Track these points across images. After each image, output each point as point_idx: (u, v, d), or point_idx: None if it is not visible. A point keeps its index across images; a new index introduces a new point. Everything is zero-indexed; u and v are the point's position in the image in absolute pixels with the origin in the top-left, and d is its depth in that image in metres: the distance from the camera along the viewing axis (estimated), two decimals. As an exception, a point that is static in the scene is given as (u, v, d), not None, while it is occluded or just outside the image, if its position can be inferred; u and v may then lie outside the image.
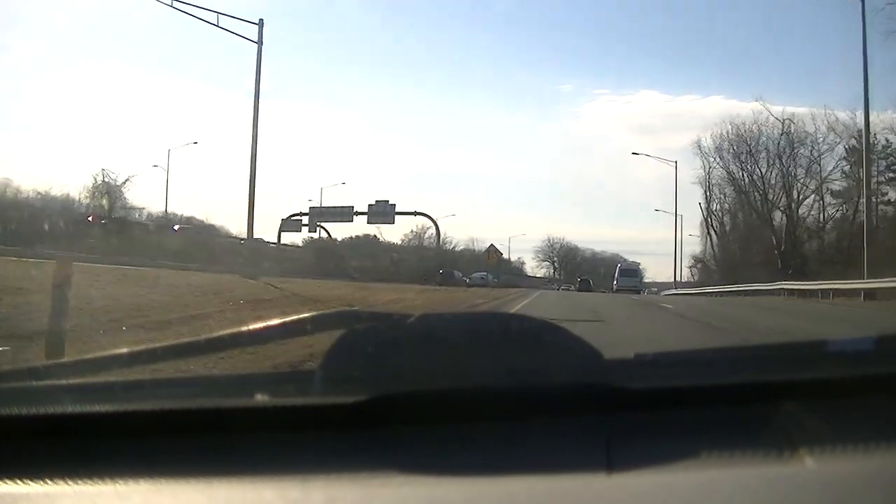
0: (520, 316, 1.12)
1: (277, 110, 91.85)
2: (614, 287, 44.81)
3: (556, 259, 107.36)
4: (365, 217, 58.12)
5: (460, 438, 1.02)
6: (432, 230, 79.21)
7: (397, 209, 57.78)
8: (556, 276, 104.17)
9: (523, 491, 0.88)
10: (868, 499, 0.80)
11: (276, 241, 58.43)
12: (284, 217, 58.85)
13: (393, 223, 59.05)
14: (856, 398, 1.01)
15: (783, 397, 1.01)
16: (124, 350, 1.21)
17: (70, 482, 0.99)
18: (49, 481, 0.99)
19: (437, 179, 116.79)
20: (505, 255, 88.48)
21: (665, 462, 0.91)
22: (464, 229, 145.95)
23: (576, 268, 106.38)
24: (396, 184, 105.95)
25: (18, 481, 1.00)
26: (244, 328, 1.17)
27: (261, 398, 1.06)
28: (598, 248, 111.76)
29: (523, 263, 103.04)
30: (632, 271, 47.64)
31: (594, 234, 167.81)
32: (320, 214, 59.97)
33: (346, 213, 58.30)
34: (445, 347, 1.06)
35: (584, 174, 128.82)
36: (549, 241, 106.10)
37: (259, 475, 0.97)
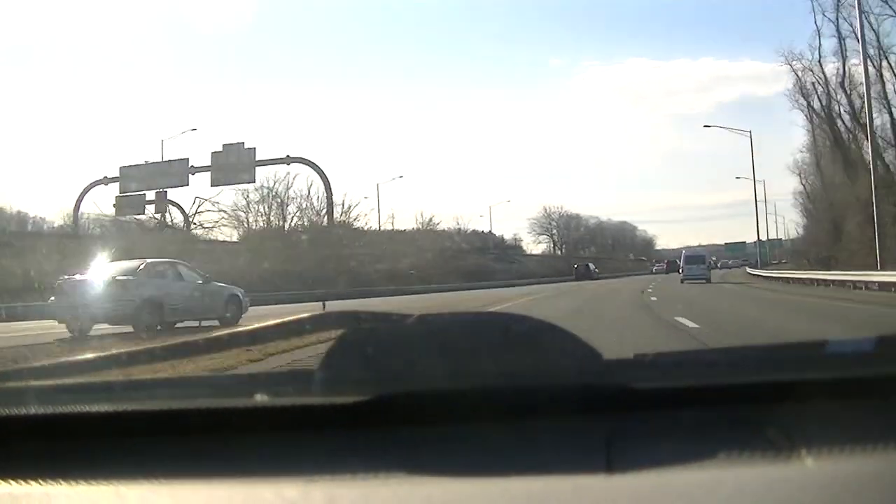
0: (519, 316, 1.12)
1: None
2: (682, 275, 40.77)
3: (554, 231, 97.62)
4: (207, 176, 38.82)
5: (460, 439, 1.01)
6: (442, 218, 72.82)
7: (262, 157, 38.98)
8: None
9: (523, 491, 0.88)
10: (868, 499, 0.80)
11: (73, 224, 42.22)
12: (120, 194, 40.13)
13: (253, 181, 40.49)
14: (856, 399, 1.01)
15: (783, 398, 1.01)
16: (123, 350, 1.21)
17: (69, 482, 0.99)
18: (48, 481, 0.99)
19: (421, 156, 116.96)
20: (495, 231, 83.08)
21: (665, 462, 0.91)
22: (450, 208, 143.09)
23: (578, 239, 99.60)
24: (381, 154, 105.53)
25: (17, 481, 1.00)
26: (243, 328, 1.17)
27: (260, 398, 1.06)
28: (602, 217, 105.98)
29: (520, 241, 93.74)
30: (699, 258, 42.93)
31: (596, 202, 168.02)
32: (140, 178, 39.85)
33: (177, 173, 39.34)
34: (445, 348, 1.06)
35: (580, 143, 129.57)
36: (546, 211, 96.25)
37: (258, 475, 0.96)
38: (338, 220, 45.83)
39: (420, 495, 0.91)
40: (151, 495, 0.96)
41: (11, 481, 1.00)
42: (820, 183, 44.44)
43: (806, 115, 42.34)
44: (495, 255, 72.43)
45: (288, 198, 47.42)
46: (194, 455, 1.04)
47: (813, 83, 39.80)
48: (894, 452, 0.90)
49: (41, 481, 0.99)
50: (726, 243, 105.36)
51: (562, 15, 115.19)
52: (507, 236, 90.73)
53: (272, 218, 48.29)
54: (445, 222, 69.98)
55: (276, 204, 47.88)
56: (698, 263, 40.38)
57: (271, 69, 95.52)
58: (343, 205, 46.17)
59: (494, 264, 64.91)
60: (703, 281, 36.99)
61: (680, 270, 42.15)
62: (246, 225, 47.95)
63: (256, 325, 1.05)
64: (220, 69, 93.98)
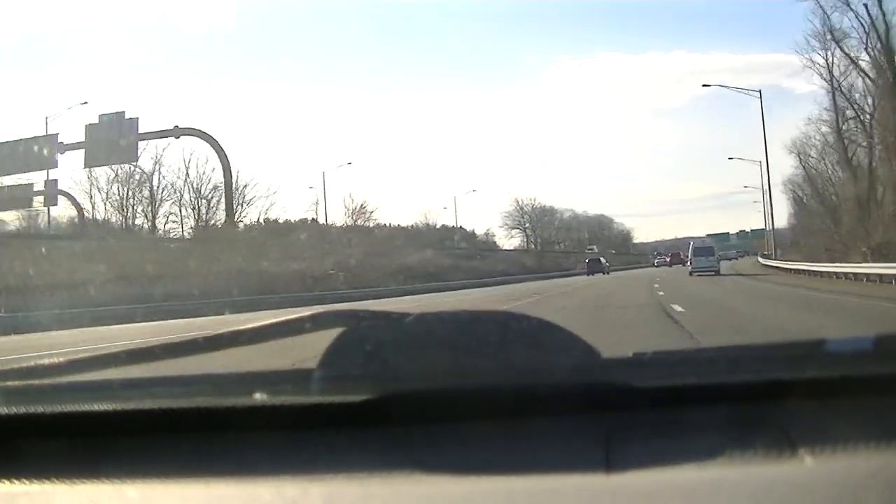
0: (519, 315, 1.12)
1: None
2: (690, 267, 39.04)
3: (527, 225, 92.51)
4: (81, 155, 31.79)
5: (459, 437, 1.01)
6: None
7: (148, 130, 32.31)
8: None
9: (522, 489, 0.88)
10: (868, 498, 0.80)
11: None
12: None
13: (134, 159, 34.44)
14: (856, 398, 1.01)
15: (783, 396, 1.01)
16: (123, 349, 1.21)
17: (68, 481, 0.99)
18: (47, 480, 0.99)
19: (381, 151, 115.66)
20: (468, 226, 78.97)
21: (664, 461, 0.91)
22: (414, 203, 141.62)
23: (553, 233, 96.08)
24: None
25: (16, 480, 1.00)
26: (243, 327, 1.17)
27: (259, 397, 1.06)
28: (578, 209, 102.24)
29: (493, 236, 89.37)
30: (707, 249, 40.37)
31: (571, 196, 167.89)
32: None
33: (40, 154, 31.39)
34: (444, 346, 1.06)
35: (553, 137, 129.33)
36: (518, 204, 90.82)
37: (257, 474, 0.96)
38: (239, 211, 38.71)
39: (419, 494, 0.91)
40: (151, 494, 0.96)
41: (10, 480, 1.00)
42: (841, 149, 39.73)
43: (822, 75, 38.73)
44: (464, 251, 65.56)
45: (163, 184, 38.69)
46: (194, 453, 1.04)
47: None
48: (894, 451, 0.90)
49: (40, 480, 0.99)
50: (708, 234, 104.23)
51: (533, 11, 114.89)
52: (481, 231, 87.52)
53: (134, 210, 39.59)
54: (413, 217, 67.86)
55: (138, 192, 38.47)
56: (707, 255, 38.52)
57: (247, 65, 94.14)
58: (241, 191, 38.61)
59: (459, 262, 55.60)
60: (713, 273, 35.61)
61: (689, 263, 40.26)
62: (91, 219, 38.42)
63: (257, 325, 1.05)
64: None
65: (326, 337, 1.09)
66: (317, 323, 1.14)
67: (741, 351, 1.18)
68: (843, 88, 37.64)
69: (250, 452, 1.03)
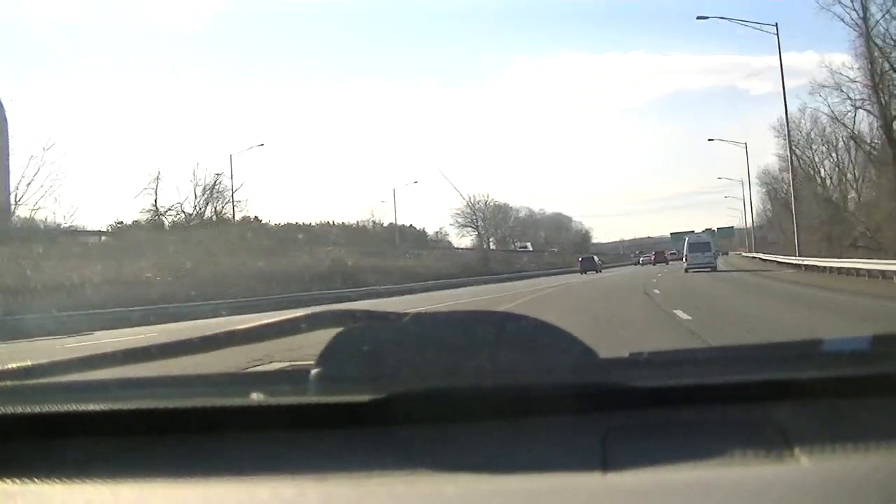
0: (515, 315, 1.11)
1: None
2: (685, 264, 37.13)
3: (480, 223, 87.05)
4: None
5: (456, 437, 1.01)
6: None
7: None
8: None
9: (519, 489, 0.88)
10: (865, 498, 0.80)
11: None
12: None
13: None
14: (852, 398, 1.01)
15: (779, 397, 1.01)
16: (119, 350, 1.21)
17: (64, 481, 0.99)
18: (43, 480, 0.99)
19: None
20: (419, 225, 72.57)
21: (660, 461, 0.91)
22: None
23: (508, 231, 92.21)
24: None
25: (13, 480, 0.99)
26: (238, 327, 1.17)
27: (256, 397, 1.06)
28: (535, 207, 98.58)
29: (446, 235, 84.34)
30: (704, 244, 38.75)
31: (529, 196, 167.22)
32: None
33: None
34: (441, 347, 1.06)
35: (510, 135, 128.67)
36: (471, 201, 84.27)
37: (254, 474, 0.96)
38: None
39: (416, 494, 0.91)
40: (147, 494, 0.95)
41: (6, 480, 1.00)
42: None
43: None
44: (399, 249, 56.92)
45: None
46: (190, 453, 1.04)
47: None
48: (890, 451, 0.90)
49: (36, 480, 0.99)
50: (672, 233, 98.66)
51: (492, 12, 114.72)
52: (435, 230, 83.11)
53: None
54: (359, 214, 62.81)
55: None
56: (703, 251, 37.41)
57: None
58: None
59: (385, 262, 44.49)
60: (710, 269, 34.57)
61: (684, 259, 38.46)
62: None
63: (253, 325, 1.04)
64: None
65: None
66: (313, 323, 1.14)
67: (738, 351, 1.18)
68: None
69: (247, 452, 1.02)
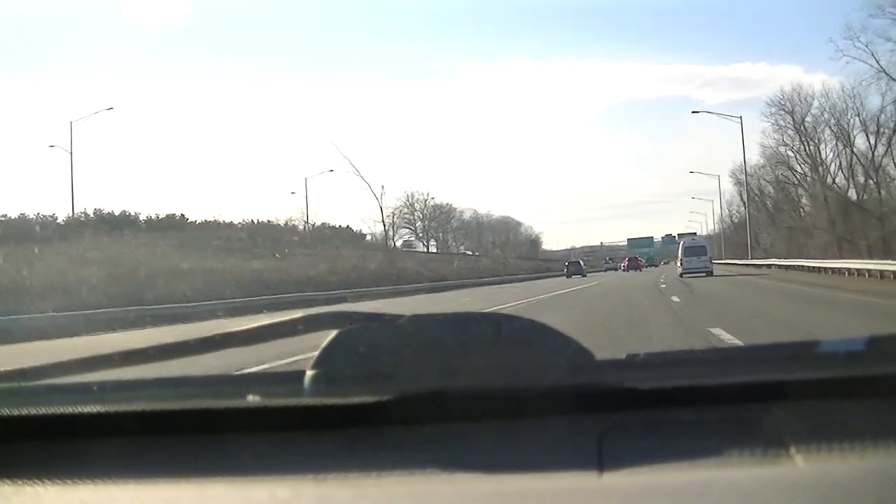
0: (511, 316, 1.12)
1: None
2: (679, 270, 36.10)
3: (417, 221, 79.86)
4: None
5: (452, 438, 1.02)
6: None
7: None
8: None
9: (515, 490, 0.88)
10: (859, 499, 0.80)
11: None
12: None
13: None
14: (847, 399, 1.01)
15: (775, 398, 1.02)
16: (117, 351, 1.21)
17: (60, 482, 0.99)
18: (39, 481, 0.99)
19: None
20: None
21: (656, 462, 0.91)
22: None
23: (451, 233, 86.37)
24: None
25: (8, 481, 0.99)
26: (236, 329, 1.17)
27: (252, 398, 1.06)
28: (481, 210, 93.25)
29: (365, 235, 74.58)
30: (700, 248, 37.20)
31: (477, 199, 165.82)
32: None
33: None
34: (437, 348, 1.06)
35: (458, 139, 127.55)
36: (409, 200, 78.47)
37: (250, 475, 0.96)
38: None
39: (412, 494, 0.91)
40: (143, 495, 0.95)
41: (2, 481, 1.00)
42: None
43: None
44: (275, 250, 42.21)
45: None
46: (186, 455, 1.04)
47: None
48: (886, 452, 0.90)
49: (32, 481, 0.99)
50: (630, 239, 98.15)
51: (445, 17, 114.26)
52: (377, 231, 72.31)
53: None
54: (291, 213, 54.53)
55: None
56: (699, 255, 36.25)
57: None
58: None
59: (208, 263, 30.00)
60: (704, 274, 33.64)
61: (679, 263, 37.50)
62: None
63: (251, 326, 1.05)
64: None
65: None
66: (310, 325, 1.14)
67: (734, 352, 1.19)
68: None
69: (243, 454, 1.03)
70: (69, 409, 1.09)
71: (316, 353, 1.08)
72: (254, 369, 5.43)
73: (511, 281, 49.56)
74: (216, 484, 0.96)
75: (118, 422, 1.08)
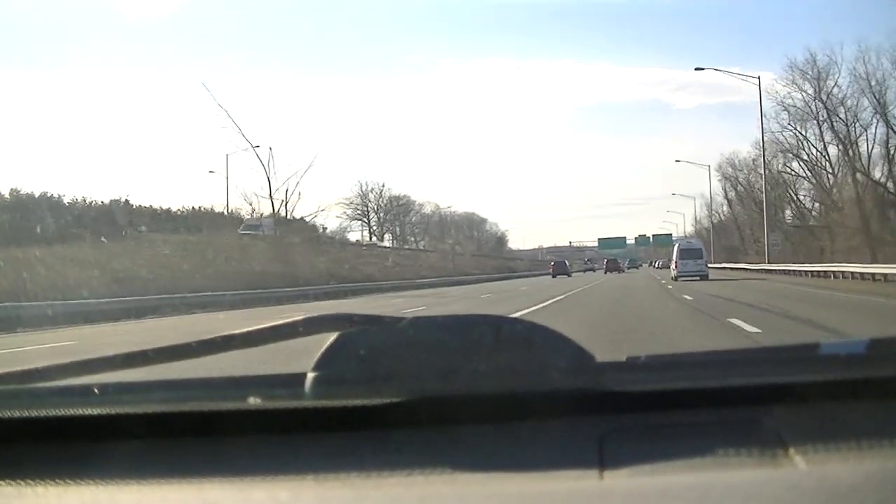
0: (511, 318, 1.12)
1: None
2: (674, 272, 35.55)
3: (370, 213, 73.97)
4: None
5: (452, 441, 1.02)
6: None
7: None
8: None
9: (515, 492, 0.88)
10: (859, 500, 0.80)
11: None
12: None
13: None
14: (848, 401, 1.01)
15: (775, 400, 1.02)
16: (118, 353, 1.21)
17: (61, 484, 0.99)
18: (40, 483, 0.99)
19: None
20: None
21: (657, 465, 0.91)
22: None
23: (409, 227, 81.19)
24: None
25: (8, 482, 1.00)
26: (236, 331, 1.17)
27: (253, 401, 1.06)
28: (444, 204, 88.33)
29: (346, 230, 71.16)
30: (696, 251, 36.69)
31: (443, 195, 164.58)
32: None
33: None
34: (437, 350, 1.06)
35: (424, 134, 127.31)
36: (362, 189, 73.57)
37: (250, 477, 0.97)
38: None
39: (413, 496, 0.91)
40: (144, 497, 0.96)
41: (2, 482, 1.00)
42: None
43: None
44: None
45: None
46: (187, 457, 1.05)
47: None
48: (887, 454, 0.90)
49: (33, 483, 0.99)
50: (600, 239, 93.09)
51: (419, 13, 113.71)
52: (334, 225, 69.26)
53: None
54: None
55: None
56: (695, 258, 35.71)
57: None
58: None
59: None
60: (698, 278, 33.10)
61: (673, 266, 36.63)
62: None
63: (251, 328, 1.05)
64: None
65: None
66: (310, 327, 1.15)
67: (735, 354, 1.19)
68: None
69: (244, 456, 1.03)
70: (70, 412, 1.09)
71: (317, 356, 1.08)
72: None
73: (459, 283, 43.24)
74: (217, 486, 0.96)
75: (119, 424, 1.09)
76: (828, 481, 0.85)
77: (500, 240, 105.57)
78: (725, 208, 62.53)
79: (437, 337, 1.09)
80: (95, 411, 1.09)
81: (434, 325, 1.12)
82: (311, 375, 1.06)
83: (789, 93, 44.98)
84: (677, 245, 39.63)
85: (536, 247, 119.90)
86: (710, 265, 40.52)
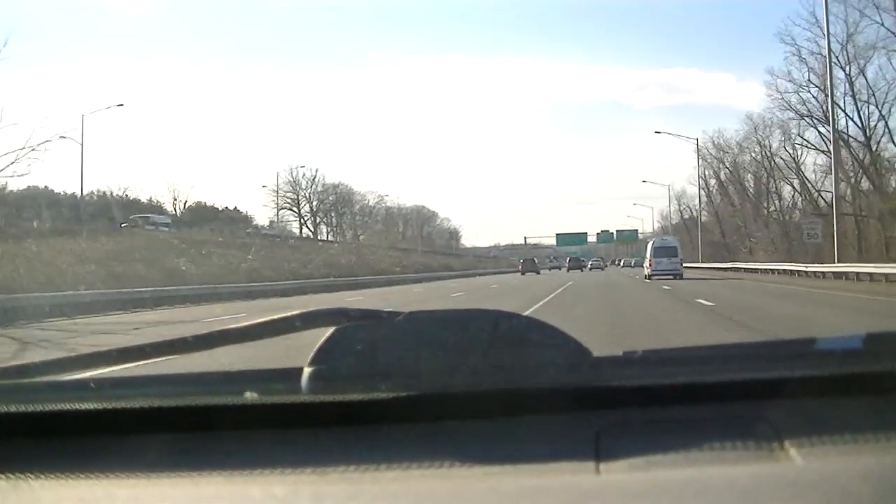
0: (508, 314, 1.12)
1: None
2: (647, 270, 34.72)
3: (305, 204, 67.76)
4: None
5: (449, 436, 1.02)
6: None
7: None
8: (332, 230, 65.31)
9: (512, 488, 0.88)
10: (858, 496, 0.80)
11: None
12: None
13: None
14: (844, 396, 1.01)
15: (772, 395, 1.02)
16: (114, 348, 1.21)
17: (58, 478, 0.99)
18: (36, 477, 0.99)
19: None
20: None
21: (654, 459, 0.91)
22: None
23: (351, 220, 75.53)
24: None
25: (5, 476, 0.99)
26: (232, 326, 1.17)
27: (249, 396, 1.06)
28: (392, 196, 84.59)
29: (285, 223, 67.12)
30: (670, 249, 35.12)
31: (398, 190, 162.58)
32: None
33: None
34: (434, 346, 1.06)
35: (375, 128, 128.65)
36: (292, 176, 67.32)
37: (247, 472, 0.96)
38: None
39: (409, 491, 0.91)
40: (140, 492, 0.95)
41: (0, 477, 1.00)
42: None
43: None
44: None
45: None
46: (184, 452, 1.04)
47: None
48: (883, 449, 0.90)
49: (29, 477, 0.99)
50: (558, 235, 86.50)
51: (383, 9, 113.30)
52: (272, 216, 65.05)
53: None
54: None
55: None
56: (670, 256, 34.32)
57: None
58: None
59: None
60: (674, 277, 32.06)
61: (647, 264, 35.51)
62: None
63: (247, 323, 1.04)
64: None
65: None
66: (307, 322, 1.14)
67: (731, 349, 1.19)
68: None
69: (240, 451, 1.03)
70: (67, 406, 1.09)
71: (313, 351, 1.07)
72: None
73: (355, 286, 34.12)
74: (213, 481, 0.96)
75: (115, 419, 1.08)
76: (825, 476, 0.85)
77: (453, 235, 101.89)
78: (704, 199, 58.16)
79: (433, 332, 1.09)
80: (92, 406, 1.08)
81: (431, 321, 1.11)
82: (307, 370, 1.06)
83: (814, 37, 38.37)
84: (652, 242, 38.04)
85: (493, 244, 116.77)
86: (698, 265, 39.49)
